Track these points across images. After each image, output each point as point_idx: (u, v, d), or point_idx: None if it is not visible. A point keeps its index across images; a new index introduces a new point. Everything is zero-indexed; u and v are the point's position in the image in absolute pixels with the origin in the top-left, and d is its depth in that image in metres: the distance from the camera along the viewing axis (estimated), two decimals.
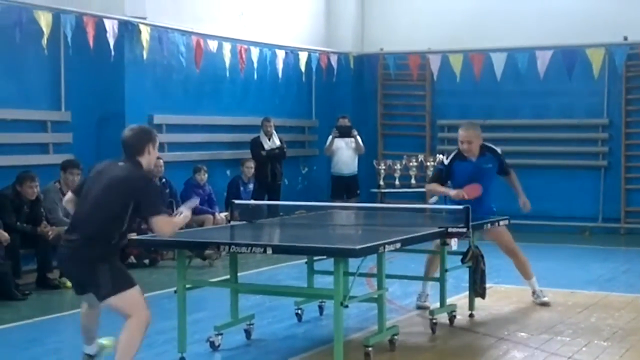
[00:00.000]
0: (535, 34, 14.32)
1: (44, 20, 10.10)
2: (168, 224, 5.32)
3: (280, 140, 13.22)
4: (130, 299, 5.26)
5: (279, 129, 13.34)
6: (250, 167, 12.71)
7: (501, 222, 7.87)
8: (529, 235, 13.46)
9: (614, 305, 8.26)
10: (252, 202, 10.75)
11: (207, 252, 10.55)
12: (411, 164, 13.62)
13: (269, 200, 12.48)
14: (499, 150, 8.27)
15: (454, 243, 7.06)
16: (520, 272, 8.40)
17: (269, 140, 13.08)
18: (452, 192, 7.90)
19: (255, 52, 13.33)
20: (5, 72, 10.19)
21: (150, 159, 5.43)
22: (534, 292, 8.35)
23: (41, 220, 9.42)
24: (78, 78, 10.88)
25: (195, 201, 6.10)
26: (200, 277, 9.56)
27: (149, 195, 5.25)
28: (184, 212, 5.61)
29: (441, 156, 8.23)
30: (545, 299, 8.27)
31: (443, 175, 8.13)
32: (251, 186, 12.78)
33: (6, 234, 8.77)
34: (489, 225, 7.71)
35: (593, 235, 13.92)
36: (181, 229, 6.19)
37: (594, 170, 14.24)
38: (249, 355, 6.56)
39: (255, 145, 13.01)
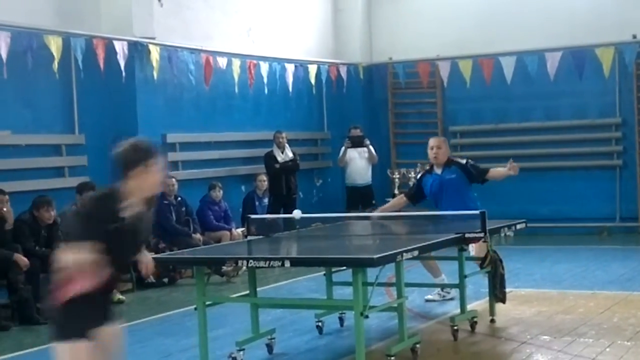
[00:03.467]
0: (543, 36, 14.28)
1: (54, 45, 10.17)
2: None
3: (293, 153, 13.24)
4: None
5: (291, 143, 13.36)
6: (263, 181, 12.71)
7: (518, 226, 7.86)
8: (546, 238, 13.43)
9: (636, 304, 8.21)
10: (268, 216, 10.76)
11: (225, 268, 10.58)
12: None
13: (285, 213, 12.49)
14: (463, 161, 8.57)
15: (471, 248, 7.06)
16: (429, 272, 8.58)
17: (282, 153, 13.11)
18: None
19: (264, 67, 13.37)
20: (18, 98, 10.26)
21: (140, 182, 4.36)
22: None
23: (59, 244, 9.46)
24: (90, 100, 10.95)
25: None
26: (220, 294, 9.56)
27: None
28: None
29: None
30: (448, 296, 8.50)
31: (413, 190, 8.69)
32: (266, 200, 12.78)
33: (26, 259, 8.82)
34: (506, 229, 7.70)
35: (611, 235, 13.84)
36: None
37: (609, 170, 14.17)
38: None
39: (269, 158, 13.03)
